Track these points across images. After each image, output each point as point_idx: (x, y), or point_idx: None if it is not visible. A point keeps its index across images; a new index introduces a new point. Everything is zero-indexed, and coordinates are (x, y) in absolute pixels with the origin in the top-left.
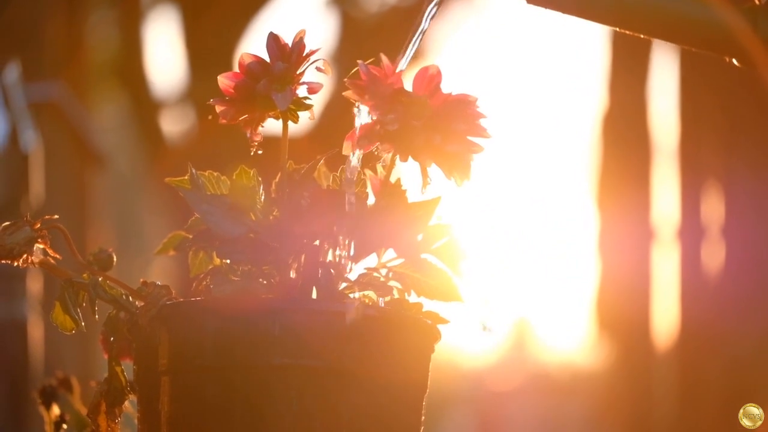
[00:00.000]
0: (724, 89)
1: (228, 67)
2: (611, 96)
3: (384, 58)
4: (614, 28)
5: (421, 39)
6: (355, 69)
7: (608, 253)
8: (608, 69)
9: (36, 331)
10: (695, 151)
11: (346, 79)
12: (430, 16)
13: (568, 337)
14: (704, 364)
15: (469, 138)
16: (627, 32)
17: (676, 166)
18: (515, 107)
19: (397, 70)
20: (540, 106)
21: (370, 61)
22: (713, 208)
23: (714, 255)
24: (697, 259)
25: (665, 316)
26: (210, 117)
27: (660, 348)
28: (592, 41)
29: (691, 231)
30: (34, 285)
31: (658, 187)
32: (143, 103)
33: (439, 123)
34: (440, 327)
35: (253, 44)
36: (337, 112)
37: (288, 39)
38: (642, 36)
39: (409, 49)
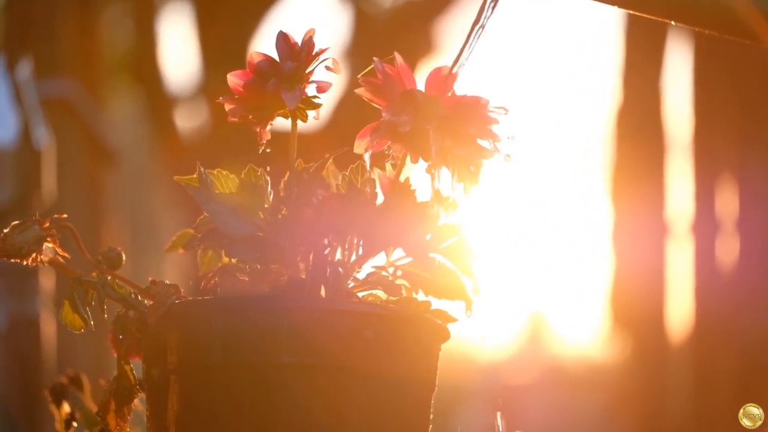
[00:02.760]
0: (738, 82)
1: (242, 62)
2: (625, 90)
3: (398, 57)
4: (623, 10)
5: (477, 40)
6: (370, 67)
7: (623, 247)
8: (622, 62)
9: (48, 328)
10: (709, 145)
11: (359, 77)
12: (488, 16)
13: (583, 331)
14: (718, 358)
15: (480, 142)
16: (638, 13)
17: (690, 159)
18: (529, 101)
19: (453, 72)
20: (554, 100)
21: (389, 59)
22: (727, 202)
23: (728, 249)
24: (712, 253)
25: (680, 310)
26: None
27: (674, 341)
28: (606, 35)
29: (705, 225)
30: (47, 282)
31: (673, 180)
32: (156, 99)
33: (451, 126)
34: (451, 323)
35: (266, 39)
36: (349, 109)
37: (298, 38)
38: (652, 17)
39: (465, 52)
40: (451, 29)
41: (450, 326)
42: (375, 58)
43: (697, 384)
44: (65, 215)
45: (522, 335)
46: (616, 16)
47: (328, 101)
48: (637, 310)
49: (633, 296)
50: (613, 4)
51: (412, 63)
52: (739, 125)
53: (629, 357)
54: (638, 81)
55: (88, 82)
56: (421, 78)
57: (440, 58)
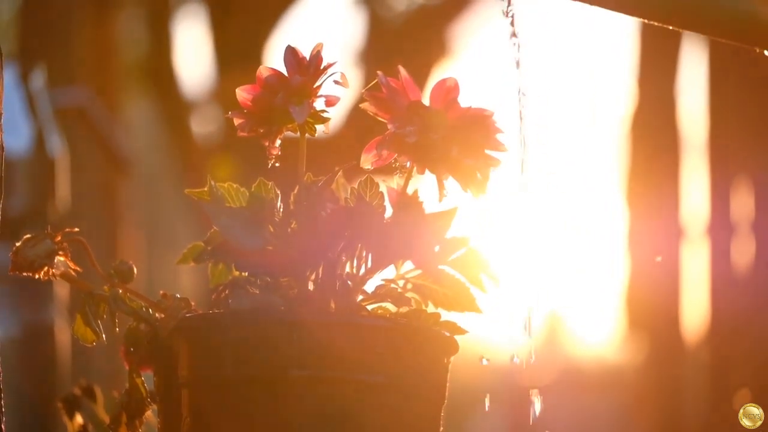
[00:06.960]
0: (753, 84)
1: (257, 67)
2: (640, 92)
3: (402, 70)
4: (637, 18)
5: None
6: (374, 81)
7: (638, 249)
8: (637, 65)
9: (63, 336)
10: (724, 147)
11: (364, 91)
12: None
13: (599, 333)
14: (734, 359)
15: (486, 152)
16: (655, 23)
17: (705, 161)
18: (544, 104)
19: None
20: (569, 102)
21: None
22: (743, 204)
23: (744, 251)
24: (727, 255)
25: (695, 312)
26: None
27: (690, 343)
28: (621, 37)
29: (720, 227)
30: (61, 291)
31: (688, 183)
32: (171, 107)
33: (457, 136)
34: (460, 335)
35: (281, 44)
36: (363, 115)
37: (306, 51)
38: (669, 26)
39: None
40: (465, 33)
41: (464, 327)
42: (378, 72)
43: (713, 385)
44: (77, 228)
45: (538, 337)
46: (631, 18)
47: (341, 107)
48: (653, 312)
49: (649, 298)
50: (635, 15)
51: (426, 67)
52: (755, 127)
53: (645, 358)
54: (653, 83)
55: (103, 90)
56: (426, 90)
57: (454, 62)
